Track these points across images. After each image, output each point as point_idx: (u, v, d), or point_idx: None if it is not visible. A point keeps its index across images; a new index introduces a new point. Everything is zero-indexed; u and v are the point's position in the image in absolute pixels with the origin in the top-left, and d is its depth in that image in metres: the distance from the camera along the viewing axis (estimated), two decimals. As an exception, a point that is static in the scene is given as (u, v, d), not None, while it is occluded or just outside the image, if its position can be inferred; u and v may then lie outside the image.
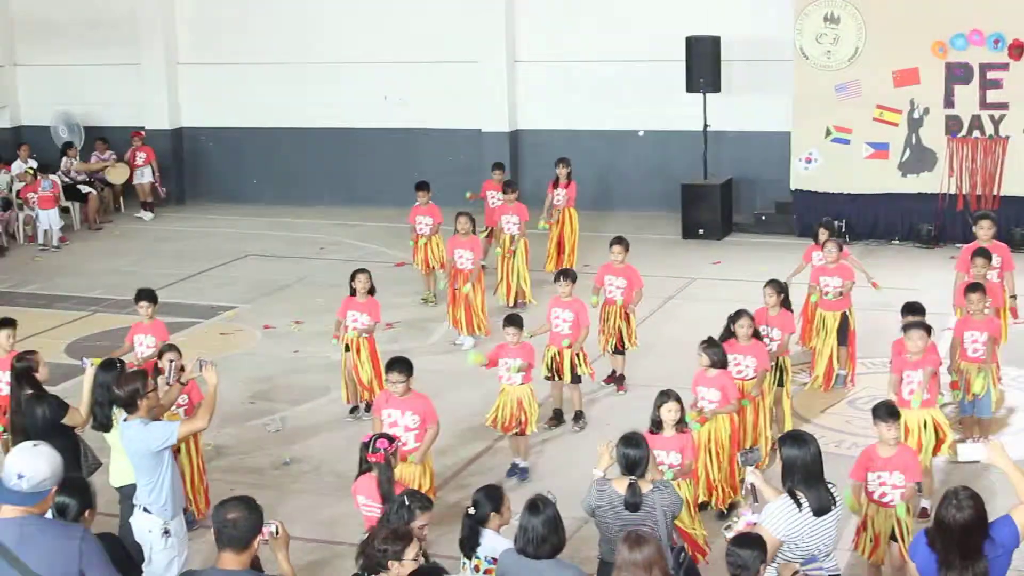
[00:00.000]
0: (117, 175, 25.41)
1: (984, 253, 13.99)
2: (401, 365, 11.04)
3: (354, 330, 14.05)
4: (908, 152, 21.17)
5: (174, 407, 11.04)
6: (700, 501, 11.18)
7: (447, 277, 16.89)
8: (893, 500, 9.73)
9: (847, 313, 14.48)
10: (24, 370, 10.77)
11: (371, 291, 14.27)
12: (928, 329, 11.61)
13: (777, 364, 12.82)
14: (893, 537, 9.74)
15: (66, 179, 24.83)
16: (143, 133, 26.03)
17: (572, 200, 19.48)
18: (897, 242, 21.47)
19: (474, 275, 16.71)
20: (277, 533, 7.22)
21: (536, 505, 7.78)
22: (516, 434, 12.56)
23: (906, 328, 11.62)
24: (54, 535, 6.54)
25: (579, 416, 13.85)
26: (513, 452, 12.78)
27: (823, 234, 15.23)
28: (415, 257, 18.71)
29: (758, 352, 12.23)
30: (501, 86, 24.75)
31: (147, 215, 25.65)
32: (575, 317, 13.65)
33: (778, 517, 8.27)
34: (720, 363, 11.48)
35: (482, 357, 12.92)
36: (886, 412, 9.81)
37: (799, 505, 8.24)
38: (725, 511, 11.38)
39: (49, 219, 23.41)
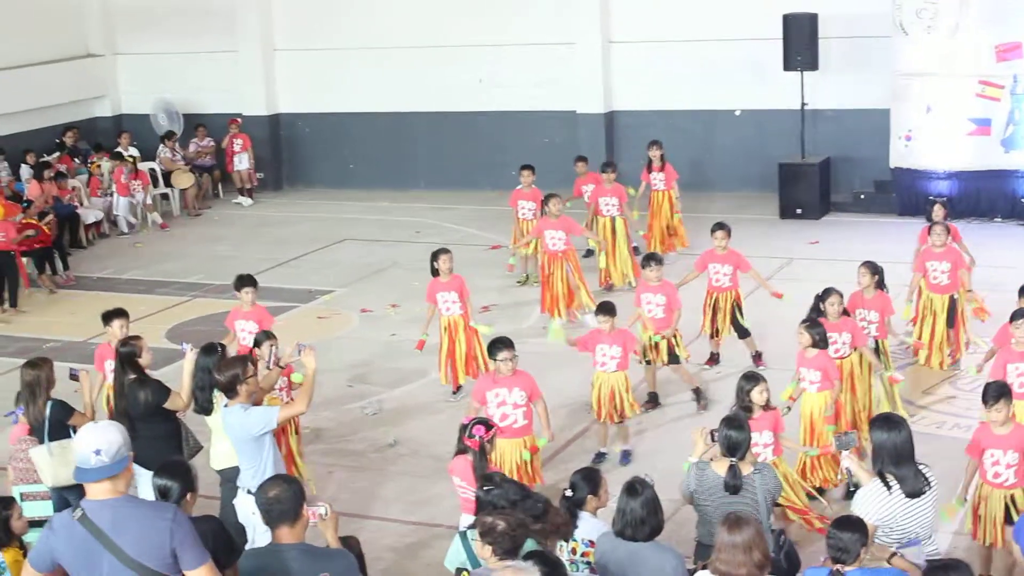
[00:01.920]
0: (182, 180, 25.62)
1: None
2: (507, 343, 11.08)
3: (449, 313, 14.05)
4: (1011, 127, 20.75)
5: (275, 391, 11.14)
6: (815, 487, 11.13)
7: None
8: (1007, 480, 9.53)
9: (955, 296, 14.24)
10: (128, 355, 10.91)
11: (451, 269, 14.22)
12: None
13: (878, 347, 12.65)
14: (1009, 521, 9.50)
15: (178, 164, 25.45)
16: (240, 120, 26.28)
17: (671, 183, 19.29)
18: (999, 220, 21.08)
19: (574, 254, 16.71)
20: (326, 515, 7.40)
21: (634, 487, 7.75)
22: (618, 422, 12.52)
23: (1014, 316, 11.35)
24: (145, 516, 6.60)
25: (699, 394, 13.81)
26: (599, 441, 12.74)
27: (939, 211, 14.93)
28: (515, 242, 18.61)
29: (851, 327, 12.09)
30: (596, 67, 24.64)
31: (245, 201, 25.93)
32: (667, 301, 13.57)
33: (869, 501, 8.18)
34: (821, 342, 11.36)
35: (563, 334, 12.87)
36: (992, 394, 9.53)
37: (889, 488, 8.14)
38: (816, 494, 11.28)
39: (121, 205, 23.92)
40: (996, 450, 9.55)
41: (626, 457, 12.52)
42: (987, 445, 9.60)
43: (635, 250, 18.25)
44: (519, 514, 7.56)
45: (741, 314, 14.71)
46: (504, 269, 18.79)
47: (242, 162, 25.92)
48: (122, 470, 6.58)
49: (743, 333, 14.77)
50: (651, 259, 13.94)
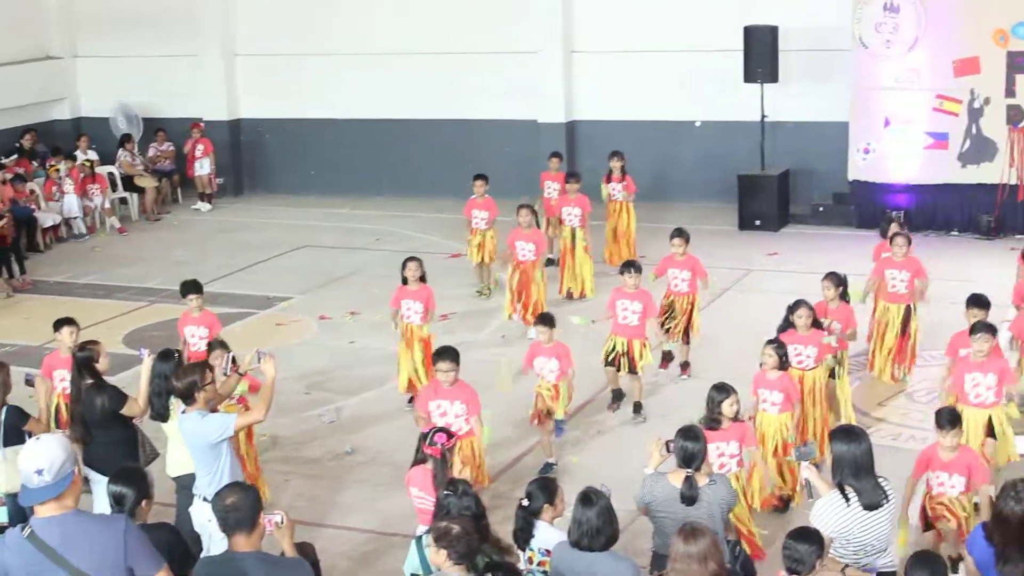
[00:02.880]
0: (145, 182, 25.51)
1: None
2: (451, 354, 11.09)
3: (409, 320, 14.06)
4: (968, 142, 20.94)
5: (231, 399, 11.11)
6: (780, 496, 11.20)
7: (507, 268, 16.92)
8: (951, 495, 9.67)
9: (911, 306, 14.34)
10: (85, 360, 10.86)
11: (422, 279, 14.25)
12: (994, 331, 11.45)
13: (835, 357, 12.73)
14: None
15: (137, 168, 25.36)
16: (202, 125, 26.18)
17: (631, 194, 19.32)
18: (956, 233, 21.24)
19: (539, 265, 16.77)
20: (282, 523, 7.35)
21: (589, 497, 7.76)
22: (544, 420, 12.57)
23: (973, 329, 11.44)
24: (96, 530, 6.53)
25: (639, 408, 13.83)
26: (544, 452, 12.77)
27: (893, 227, 15.07)
28: (470, 250, 18.71)
29: (815, 341, 12.14)
30: (558, 77, 24.70)
31: (205, 206, 25.83)
32: (643, 308, 13.65)
33: (826, 513, 8.23)
34: (786, 362, 11.43)
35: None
36: (947, 420, 9.63)
37: (847, 500, 8.19)
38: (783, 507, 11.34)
39: (74, 206, 23.79)
40: (943, 473, 9.68)
41: (548, 468, 12.48)
42: (934, 468, 9.73)
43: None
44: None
45: (695, 319, 14.79)
46: (469, 282, 18.81)
47: (203, 167, 25.81)
48: (66, 488, 6.49)
49: (686, 339, 14.89)
50: (630, 266, 14.01)
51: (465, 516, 7.82)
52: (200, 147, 25.73)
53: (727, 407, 10.20)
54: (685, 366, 14.99)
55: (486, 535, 7.95)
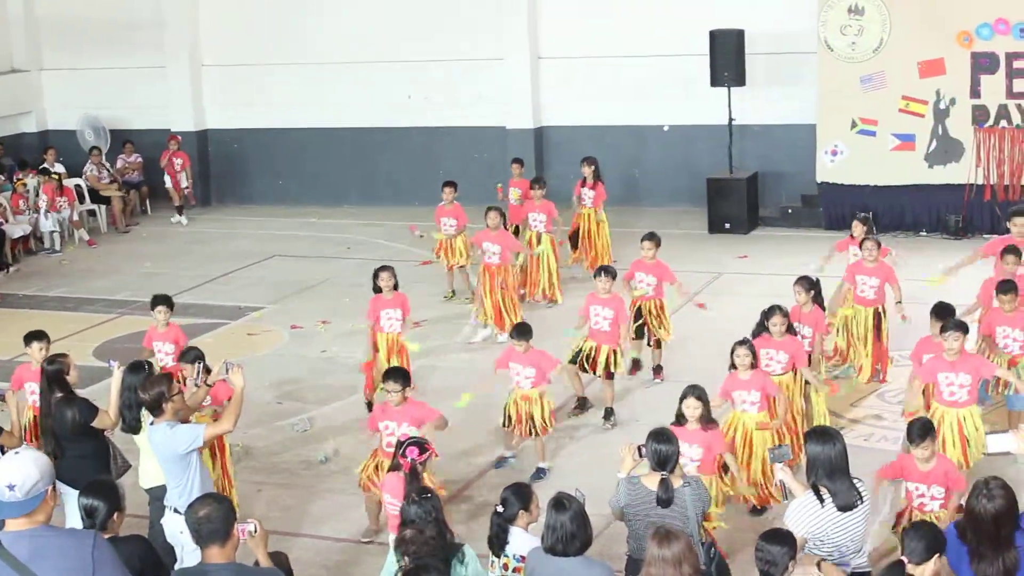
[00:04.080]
0: (112, 194, 25.42)
1: (1015, 251, 13.77)
2: (398, 375, 11.08)
3: (390, 330, 14.05)
4: (935, 143, 21.05)
5: (201, 409, 11.07)
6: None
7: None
8: (932, 511, 9.65)
9: (880, 309, 14.38)
10: (55, 373, 10.81)
11: (395, 286, 14.24)
12: (965, 328, 11.49)
13: (808, 359, 12.77)
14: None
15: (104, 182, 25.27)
16: (179, 138, 26.05)
17: (600, 201, 19.34)
18: (925, 234, 21.36)
19: (511, 268, 16.83)
20: (255, 532, 7.33)
21: (562, 503, 7.76)
22: (534, 436, 12.56)
23: (943, 328, 11.45)
24: (66, 545, 6.49)
25: (609, 413, 13.83)
26: (505, 446, 12.81)
27: (857, 228, 15.13)
28: (438, 255, 18.71)
29: (791, 347, 12.17)
30: (525, 83, 24.74)
31: (183, 219, 25.66)
32: (615, 314, 13.68)
33: (800, 514, 8.25)
34: (755, 361, 11.46)
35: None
36: (918, 433, 9.56)
37: (822, 501, 8.21)
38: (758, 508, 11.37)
39: (48, 222, 23.73)
40: (921, 484, 9.69)
41: (541, 473, 12.48)
42: (911, 479, 9.73)
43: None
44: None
45: (662, 323, 14.83)
46: (440, 289, 18.82)
47: (182, 180, 25.68)
48: (36, 507, 6.47)
49: (655, 343, 14.92)
50: (603, 271, 14.06)
51: (427, 521, 7.83)
52: (178, 160, 25.59)
53: (686, 408, 10.21)
54: (658, 370, 15.02)
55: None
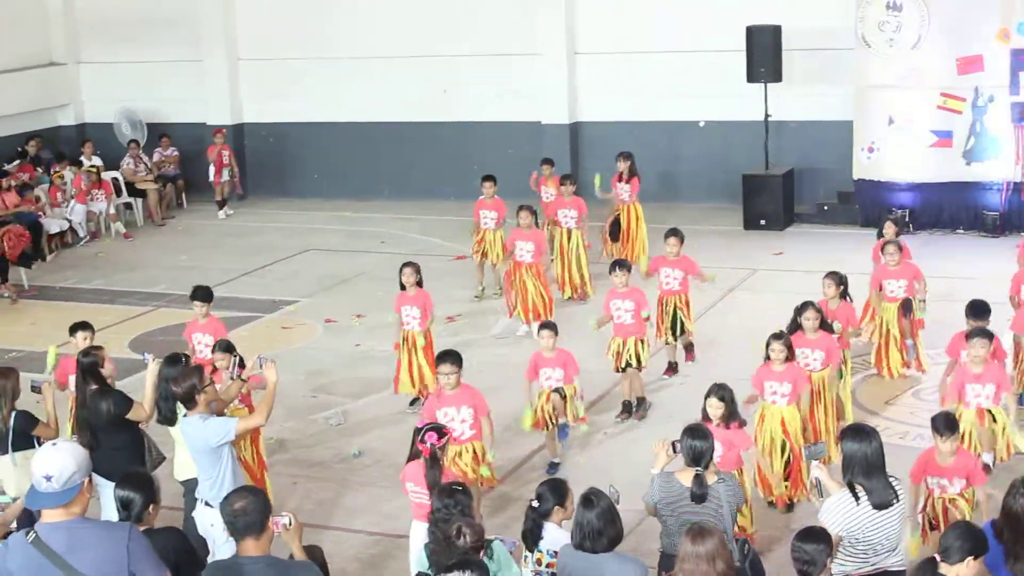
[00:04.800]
0: (148, 186, 25.54)
1: None
2: (453, 357, 11.07)
3: (408, 327, 14.07)
4: (972, 140, 20.91)
5: (235, 402, 11.10)
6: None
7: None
8: (953, 495, 9.67)
9: (911, 300, 14.32)
10: (90, 365, 10.86)
11: (419, 283, 14.24)
12: (991, 336, 11.43)
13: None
14: None
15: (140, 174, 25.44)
16: (224, 131, 26.14)
17: (635, 194, 19.30)
18: (961, 231, 21.22)
19: (542, 267, 16.77)
20: (291, 525, 7.35)
21: (590, 499, 7.75)
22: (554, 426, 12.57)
23: (970, 335, 11.41)
24: (102, 537, 6.55)
25: (641, 403, 13.82)
26: (549, 452, 12.77)
27: (890, 229, 15.07)
28: (476, 252, 18.67)
29: (826, 344, 12.13)
30: (561, 78, 24.69)
31: (226, 212, 25.74)
32: (636, 306, 13.65)
33: (836, 512, 8.21)
34: (791, 354, 11.43)
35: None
36: (945, 426, 9.58)
37: (857, 499, 8.17)
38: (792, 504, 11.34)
39: (77, 212, 23.81)
40: (943, 478, 9.66)
41: (552, 468, 12.49)
42: (932, 473, 9.71)
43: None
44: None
45: (687, 316, 14.80)
46: (473, 284, 18.82)
47: (224, 174, 25.73)
48: (73, 497, 6.52)
49: (680, 331, 14.89)
50: (617, 265, 14.01)
51: (449, 515, 7.85)
52: (226, 153, 25.66)
53: (709, 407, 10.20)
54: (689, 348, 15.05)
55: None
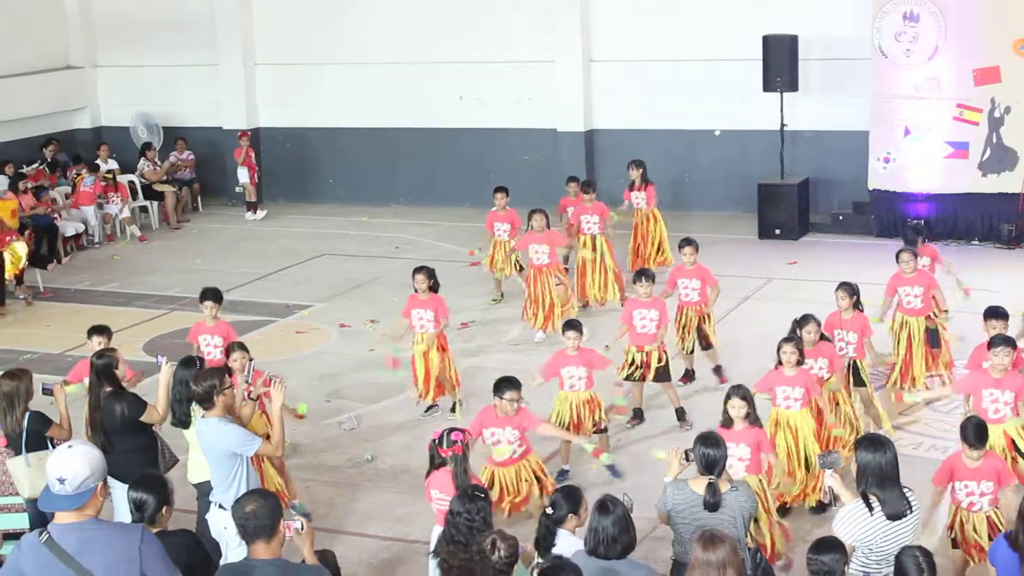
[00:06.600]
0: (165, 188, 25.58)
1: None
2: (514, 384, 11.07)
3: (423, 330, 14.07)
4: (988, 151, 20.86)
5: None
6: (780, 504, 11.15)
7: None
8: (982, 508, 9.61)
9: (936, 330, 14.22)
10: (104, 367, 10.88)
11: (433, 288, 14.22)
12: (1013, 344, 11.38)
13: (852, 366, 12.70)
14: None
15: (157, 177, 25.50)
16: (249, 134, 26.18)
17: (651, 201, 19.27)
18: (977, 242, 21.17)
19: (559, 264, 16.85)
20: (303, 529, 7.39)
21: (605, 505, 7.75)
22: (595, 431, 12.54)
23: (992, 343, 11.34)
24: (114, 539, 6.57)
25: (682, 414, 13.82)
26: (562, 458, 12.75)
27: (912, 236, 15.05)
28: (490, 266, 18.63)
29: (828, 353, 12.12)
30: (577, 86, 24.69)
31: (254, 215, 25.78)
32: (659, 315, 13.65)
33: (849, 521, 8.20)
34: (803, 358, 11.44)
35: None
36: (975, 435, 9.49)
37: (871, 509, 8.15)
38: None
39: (87, 216, 23.80)
40: (971, 482, 9.62)
41: (614, 472, 12.49)
42: (961, 477, 9.65)
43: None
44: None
45: (708, 326, 14.80)
46: (487, 290, 18.82)
47: (247, 176, 25.74)
48: (85, 502, 6.54)
49: (706, 345, 14.86)
50: (642, 275, 13.97)
51: (471, 520, 7.89)
52: (252, 154, 25.70)
53: (731, 409, 10.19)
54: (718, 371, 15.00)
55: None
